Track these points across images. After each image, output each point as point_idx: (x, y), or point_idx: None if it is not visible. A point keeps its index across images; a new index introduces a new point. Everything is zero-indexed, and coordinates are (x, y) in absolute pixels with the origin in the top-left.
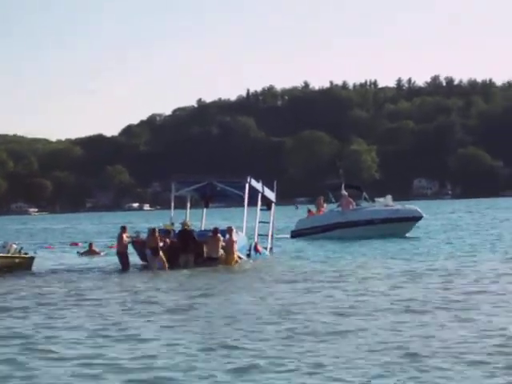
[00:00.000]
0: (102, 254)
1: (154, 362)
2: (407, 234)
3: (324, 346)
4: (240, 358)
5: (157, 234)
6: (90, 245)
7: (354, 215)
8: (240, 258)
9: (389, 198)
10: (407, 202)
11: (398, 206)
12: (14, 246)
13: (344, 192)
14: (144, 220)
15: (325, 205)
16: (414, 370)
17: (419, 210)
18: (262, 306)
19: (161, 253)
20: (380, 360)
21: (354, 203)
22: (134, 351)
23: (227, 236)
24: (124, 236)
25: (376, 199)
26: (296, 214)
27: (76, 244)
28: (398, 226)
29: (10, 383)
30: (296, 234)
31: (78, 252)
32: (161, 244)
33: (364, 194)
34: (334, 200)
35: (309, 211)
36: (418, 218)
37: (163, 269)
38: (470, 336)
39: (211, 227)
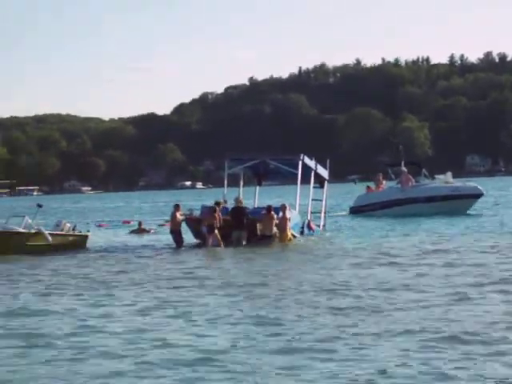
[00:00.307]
0: (151, 231)
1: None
2: (468, 211)
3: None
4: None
5: (217, 212)
6: (140, 223)
7: (414, 192)
8: (294, 235)
9: (449, 174)
10: (460, 179)
11: (457, 183)
12: (68, 224)
13: (403, 168)
14: (197, 198)
15: (384, 181)
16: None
17: (479, 187)
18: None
19: (216, 230)
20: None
21: (414, 180)
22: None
23: (281, 214)
24: (177, 214)
25: (436, 176)
26: (351, 191)
27: (128, 222)
28: (458, 203)
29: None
30: (355, 211)
31: (129, 231)
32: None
33: (423, 170)
34: (393, 177)
35: (368, 188)
36: (479, 195)
37: (218, 246)
38: None
39: (264, 205)
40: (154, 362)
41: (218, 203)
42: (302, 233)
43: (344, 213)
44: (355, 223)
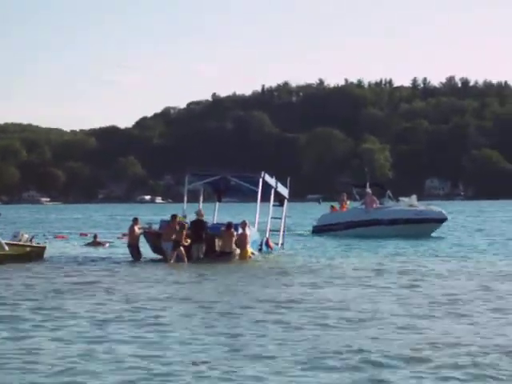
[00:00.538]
0: (106, 245)
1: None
2: (431, 235)
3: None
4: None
5: (185, 229)
6: (95, 236)
7: (378, 214)
8: (252, 253)
9: (413, 197)
10: (421, 202)
11: (422, 206)
12: (26, 235)
13: (368, 190)
14: (156, 212)
15: (348, 202)
16: None
17: (444, 211)
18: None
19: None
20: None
21: (378, 202)
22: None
23: (240, 230)
24: (136, 228)
25: (400, 198)
26: (312, 210)
27: (86, 234)
28: (421, 227)
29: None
30: (318, 230)
31: (84, 243)
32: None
33: (388, 192)
34: (357, 197)
35: (332, 207)
36: (443, 219)
37: (182, 261)
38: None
39: (224, 221)
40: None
41: (174, 216)
42: (260, 250)
43: (307, 231)
44: (316, 242)
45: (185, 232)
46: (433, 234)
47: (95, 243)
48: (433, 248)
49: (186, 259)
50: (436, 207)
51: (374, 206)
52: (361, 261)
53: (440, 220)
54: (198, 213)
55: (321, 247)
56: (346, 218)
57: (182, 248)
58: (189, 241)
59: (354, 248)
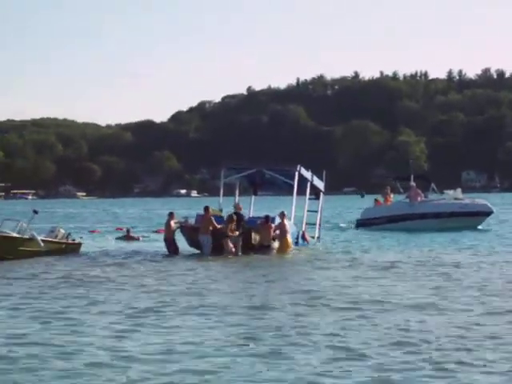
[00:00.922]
0: (140, 239)
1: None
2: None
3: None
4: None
5: (233, 221)
6: (128, 230)
7: (423, 207)
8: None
9: (458, 190)
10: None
11: (467, 199)
12: (62, 231)
13: (413, 183)
14: (191, 206)
15: (392, 195)
16: None
17: (489, 204)
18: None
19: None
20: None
21: (423, 195)
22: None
23: (277, 221)
24: (172, 222)
25: (445, 191)
26: (348, 203)
27: (121, 229)
28: (466, 221)
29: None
30: (361, 224)
31: (116, 237)
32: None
33: (432, 185)
34: (401, 190)
35: (376, 201)
36: (488, 212)
37: (229, 254)
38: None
39: (260, 215)
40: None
41: (207, 208)
42: (296, 243)
43: (349, 225)
44: (358, 236)
45: (233, 224)
46: (479, 227)
47: (128, 237)
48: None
49: (234, 251)
50: (482, 200)
51: (419, 199)
52: (396, 254)
53: (486, 213)
54: (236, 206)
55: (360, 241)
56: (390, 211)
57: (228, 240)
58: (237, 233)
59: (396, 241)
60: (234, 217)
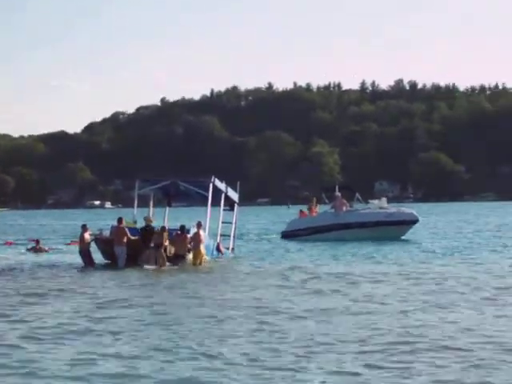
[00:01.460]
0: (49, 251)
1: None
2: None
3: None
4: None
5: (166, 232)
6: (37, 241)
7: (348, 217)
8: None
9: (383, 200)
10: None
11: (392, 208)
12: None
13: (338, 193)
14: (105, 217)
15: (317, 206)
16: None
17: (415, 213)
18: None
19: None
20: None
21: (348, 205)
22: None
23: (195, 230)
24: (85, 234)
25: (370, 201)
26: (260, 214)
27: (34, 240)
28: (392, 230)
29: None
30: (287, 235)
31: (26, 248)
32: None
33: (357, 195)
34: (327, 201)
35: (301, 212)
36: (414, 221)
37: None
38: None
39: (175, 226)
40: None
41: (120, 219)
42: (211, 255)
43: (275, 236)
44: (279, 247)
45: (166, 235)
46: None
47: (37, 249)
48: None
49: (165, 263)
50: (407, 209)
51: (344, 209)
52: (314, 266)
53: (412, 222)
54: (147, 219)
55: (278, 252)
56: (315, 222)
57: (162, 252)
58: (166, 244)
59: (315, 252)
60: (166, 227)
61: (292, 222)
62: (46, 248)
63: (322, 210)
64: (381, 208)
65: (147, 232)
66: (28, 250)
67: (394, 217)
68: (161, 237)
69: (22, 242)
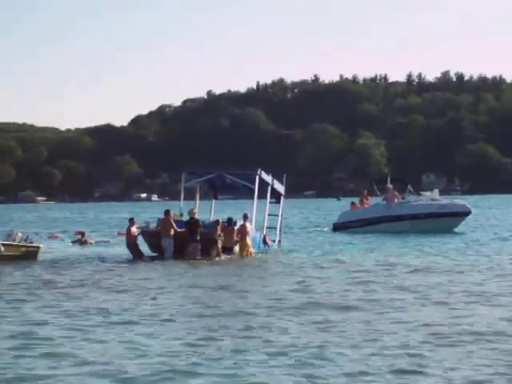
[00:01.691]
0: (94, 243)
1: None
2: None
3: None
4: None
5: (220, 225)
6: (83, 234)
7: (400, 209)
8: (251, 252)
9: (435, 191)
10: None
11: (445, 200)
12: (20, 234)
13: (389, 185)
14: (152, 210)
15: (369, 198)
16: None
17: (467, 205)
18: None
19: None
20: None
21: (400, 196)
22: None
23: (241, 222)
24: (132, 228)
25: (422, 193)
26: (306, 207)
27: (80, 233)
28: (445, 221)
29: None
30: (338, 227)
31: (72, 241)
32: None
33: (409, 187)
34: (378, 193)
35: (352, 204)
36: (467, 213)
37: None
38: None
39: (222, 219)
40: None
41: (167, 211)
42: (258, 247)
43: (326, 229)
44: (333, 240)
45: (219, 228)
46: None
47: (83, 241)
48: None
49: (220, 255)
50: (459, 200)
51: (396, 201)
52: (364, 258)
53: (464, 213)
54: (190, 212)
55: (326, 245)
56: (367, 214)
57: (218, 244)
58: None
59: (369, 245)
60: (220, 220)
61: (343, 214)
62: (92, 240)
63: (373, 202)
64: (433, 200)
65: (192, 225)
66: (73, 242)
67: (447, 208)
68: (215, 230)
69: (69, 235)
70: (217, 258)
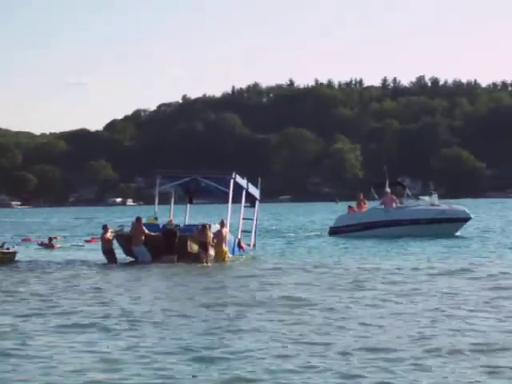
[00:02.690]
0: (57, 246)
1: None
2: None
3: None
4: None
5: (209, 229)
6: (50, 239)
7: (399, 214)
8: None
9: (434, 196)
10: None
11: (444, 205)
12: None
13: (387, 189)
14: (127, 215)
15: (366, 202)
16: None
17: (467, 210)
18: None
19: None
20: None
21: (398, 201)
22: None
23: (218, 228)
24: (107, 234)
25: (420, 197)
26: (280, 212)
27: (55, 238)
28: (445, 227)
29: None
30: (335, 231)
31: (37, 243)
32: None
33: (407, 191)
34: (376, 197)
35: (349, 207)
36: (466, 218)
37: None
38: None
39: (196, 223)
40: None
41: (139, 218)
42: (232, 252)
43: (317, 233)
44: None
45: (209, 232)
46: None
47: (49, 245)
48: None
49: (208, 261)
50: (459, 206)
51: (394, 205)
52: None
53: (464, 219)
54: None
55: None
56: (364, 218)
57: (210, 248)
58: (215, 241)
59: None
60: (208, 225)
61: (340, 218)
62: (58, 245)
63: (371, 207)
64: (432, 205)
65: (169, 235)
66: (40, 245)
67: (447, 214)
68: (205, 235)
69: (43, 239)
70: (206, 264)
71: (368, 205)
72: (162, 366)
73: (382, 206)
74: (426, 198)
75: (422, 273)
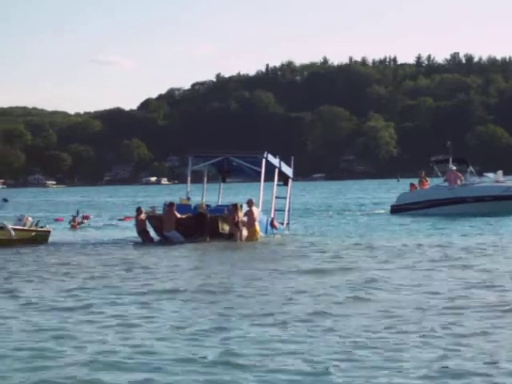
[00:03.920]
0: (83, 223)
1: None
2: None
3: None
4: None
5: (240, 209)
6: (74, 218)
7: (463, 191)
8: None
9: (499, 173)
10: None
11: (510, 182)
12: (30, 218)
13: (452, 166)
14: (161, 194)
15: (428, 179)
16: None
17: None
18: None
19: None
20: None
21: (463, 178)
22: None
23: (245, 208)
24: (141, 217)
25: (485, 174)
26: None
27: (88, 217)
28: (510, 204)
29: None
30: (397, 209)
31: (69, 222)
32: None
33: (471, 168)
34: (439, 174)
35: (411, 185)
36: None
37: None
38: None
39: (228, 203)
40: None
41: (171, 204)
42: (265, 231)
43: (382, 211)
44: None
45: (239, 212)
46: None
47: (73, 226)
48: None
49: (242, 238)
50: None
51: (459, 182)
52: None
53: None
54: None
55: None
56: (427, 196)
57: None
58: (244, 219)
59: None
60: (238, 205)
61: (402, 196)
62: (84, 221)
63: (433, 184)
64: (497, 182)
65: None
66: (69, 222)
67: None
68: (235, 214)
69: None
70: (239, 241)
71: (430, 182)
72: None
73: (446, 184)
74: (491, 175)
75: None
